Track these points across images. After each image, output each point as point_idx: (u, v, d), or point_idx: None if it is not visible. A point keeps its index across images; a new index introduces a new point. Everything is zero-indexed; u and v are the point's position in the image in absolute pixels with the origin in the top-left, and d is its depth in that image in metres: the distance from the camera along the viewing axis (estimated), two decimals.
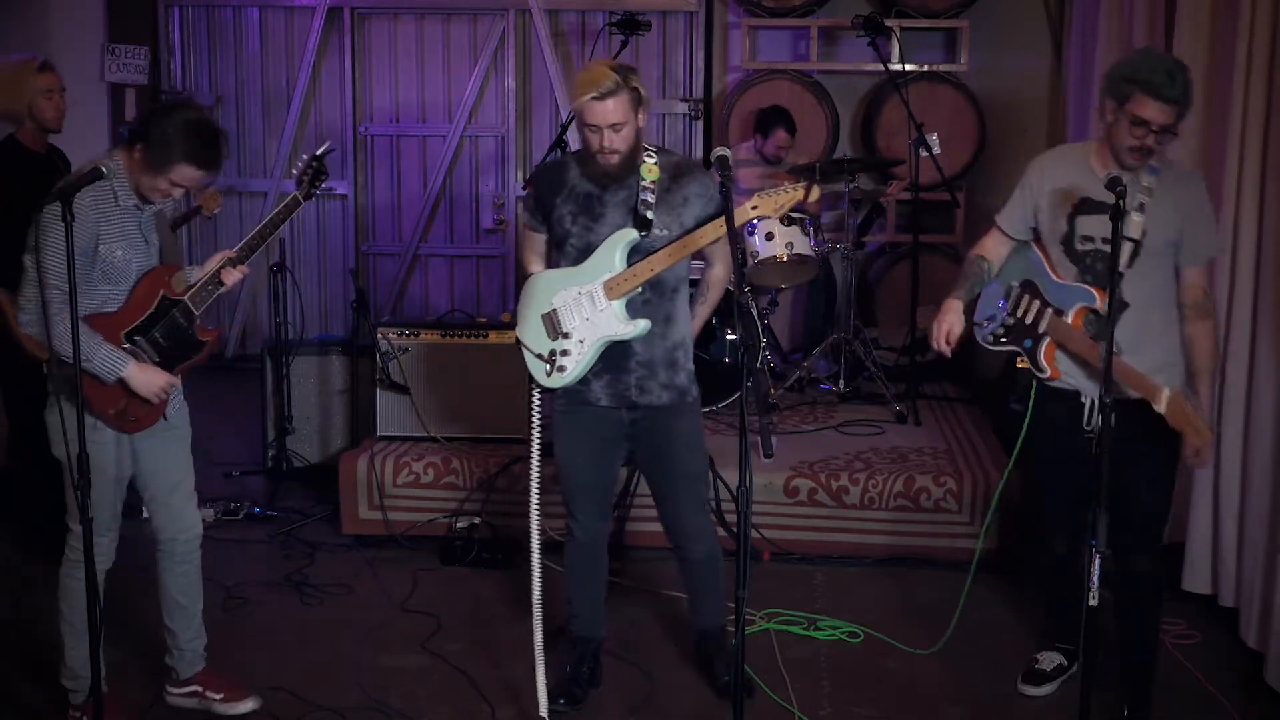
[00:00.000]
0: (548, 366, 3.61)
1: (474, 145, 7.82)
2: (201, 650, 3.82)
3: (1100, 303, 3.41)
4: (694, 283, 3.80)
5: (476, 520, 5.01)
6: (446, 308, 7.81)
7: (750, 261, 5.64)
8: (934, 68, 7.10)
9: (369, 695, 3.86)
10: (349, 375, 5.73)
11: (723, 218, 3.40)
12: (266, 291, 5.80)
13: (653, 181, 3.49)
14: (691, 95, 7.58)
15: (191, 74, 7.97)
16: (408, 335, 5.32)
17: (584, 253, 3.55)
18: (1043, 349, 3.55)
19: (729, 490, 4.79)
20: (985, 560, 4.80)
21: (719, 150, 3.37)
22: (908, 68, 6.94)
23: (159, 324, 3.49)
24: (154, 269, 3.50)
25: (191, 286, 3.52)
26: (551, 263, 3.71)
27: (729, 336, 5.54)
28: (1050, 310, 3.55)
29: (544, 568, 4.94)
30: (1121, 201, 3.07)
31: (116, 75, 7.01)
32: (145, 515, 3.74)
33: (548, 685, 3.87)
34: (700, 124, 7.57)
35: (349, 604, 4.57)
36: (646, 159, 3.50)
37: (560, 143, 6.20)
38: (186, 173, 3.33)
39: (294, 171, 3.72)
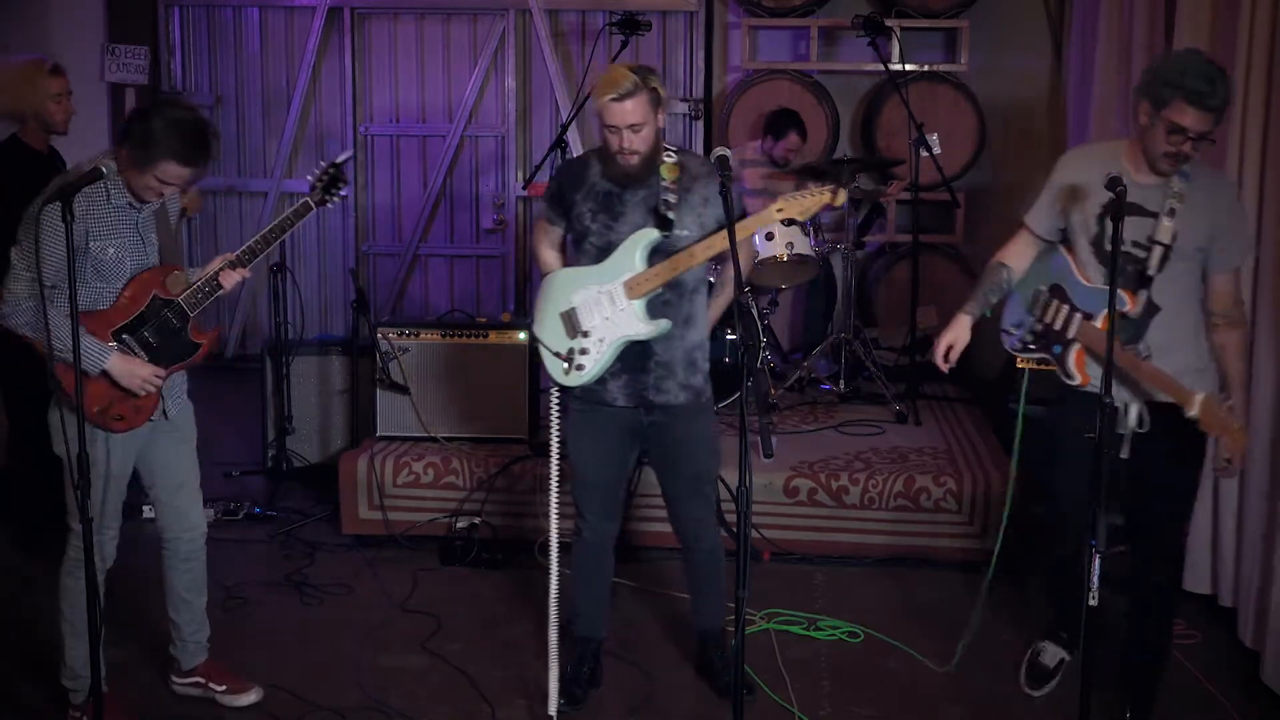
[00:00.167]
0: (566, 365, 3.61)
1: (474, 145, 7.82)
2: (205, 641, 3.86)
3: (1131, 306, 3.35)
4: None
5: (476, 520, 5.01)
6: (446, 308, 7.82)
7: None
8: (934, 68, 7.09)
9: (369, 695, 3.86)
10: (349, 375, 5.73)
11: (747, 220, 3.43)
12: (266, 291, 5.80)
13: (673, 181, 3.49)
14: (691, 95, 7.58)
15: (191, 74, 7.98)
16: (408, 335, 5.32)
17: (603, 251, 3.56)
18: (1072, 355, 3.48)
19: (729, 490, 4.79)
20: (987, 561, 4.81)
21: (719, 150, 3.37)
22: (908, 68, 6.94)
23: (149, 323, 3.48)
24: (149, 268, 3.49)
25: (188, 287, 3.52)
26: (570, 260, 3.71)
27: (729, 336, 5.54)
28: (1079, 315, 3.47)
29: (546, 568, 4.94)
30: (1122, 202, 3.05)
31: (116, 75, 7.00)
32: (145, 515, 3.75)
33: (547, 686, 3.88)
34: (700, 124, 7.57)
35: (349, 604, 4.57)
36: (667, 159, 3.50)
37: (560, 143, 6.21)
38: (172, 170, 3.32)
39: (309, 177, 3.68)
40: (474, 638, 4.29)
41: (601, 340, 3.56)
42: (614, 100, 3.37)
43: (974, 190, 7.21)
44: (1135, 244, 3.33)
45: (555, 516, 3.70)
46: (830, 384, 6.24)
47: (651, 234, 3.49)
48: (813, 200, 3.46)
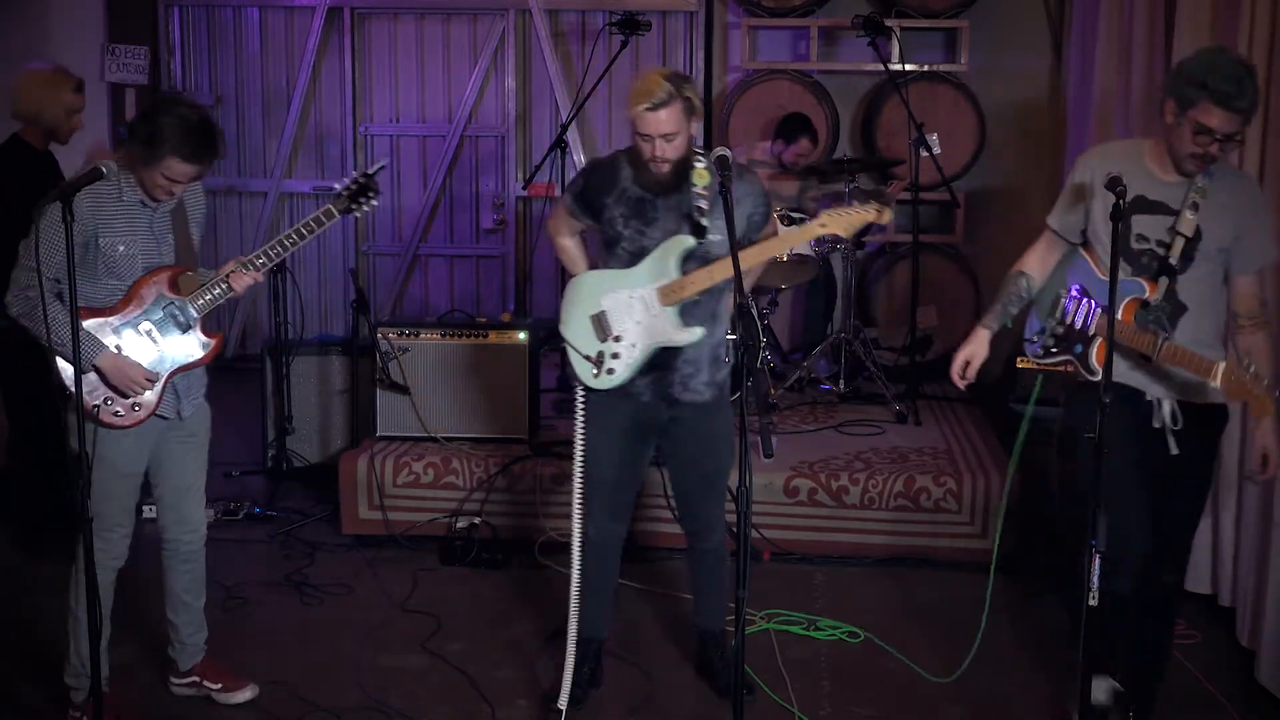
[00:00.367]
0: (595, 368, 3.61)
1: (474, 145, 7.82)
2: (202, 643, 3.87)
3: (1150, 293, 3.32)
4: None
5: (476, 520, 5.01)
6: (446, 308, 7.82)
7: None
8: (934, 68, 7.09)
9: (369, 695, 3.86)
10: (349, 375, 5.73)
11: (793, 232, 3.44)
12: (266, 291, 5.80)
13: (704, 187, 3.48)
14: None
15: (191, 74, 7.98)
16: (408, 335, 5.32)
17: (635, 256, 3.56)
18: (1094, 351, 3.42)
19: (729, 490, 4.79)
20: (987, 561, 4.81)
21: (719, 150, 3.37)
22: (908, 68, 6.94)
23: (154, 322, 3.49)
24: (160, 268, 3.50)
25: (198, 288, 3.52)
26: (600, 263, 3.69)
27: (729, 336, 5.54)
28: (1100, 310, 3.42)
29: (546, 568, 4.95)
30: (1121, 202, 3.04)
31: (116, 75, 7.00)
32: (146, 515, 3.75)
33: (546, 686, 3.89)
34: (700, 124, 7.56)
35: (349, 604, 4.57)
36: (697, 164, 3.49)
37: (560, 143, 6.21)
38: (176, 167, 3.35)
39: (337, 186, 3.65)
40: (474, 638, 4.29)
41: (634, 345, 3.57)
42: (648, 110, 3.37)
43: (974, 190, 7.21)
44: (1159, 242, 3.31)
45: (579, 512, 3.67)
46: (830, 384, 6.24)
47: (687, 241, 3.49)
48: (858, 217, 3.47)
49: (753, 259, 3.49)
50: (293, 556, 4.98)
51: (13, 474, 5.09)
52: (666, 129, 3.39)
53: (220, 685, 3.82)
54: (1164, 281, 3.32)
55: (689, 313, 3.55)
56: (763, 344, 5.82)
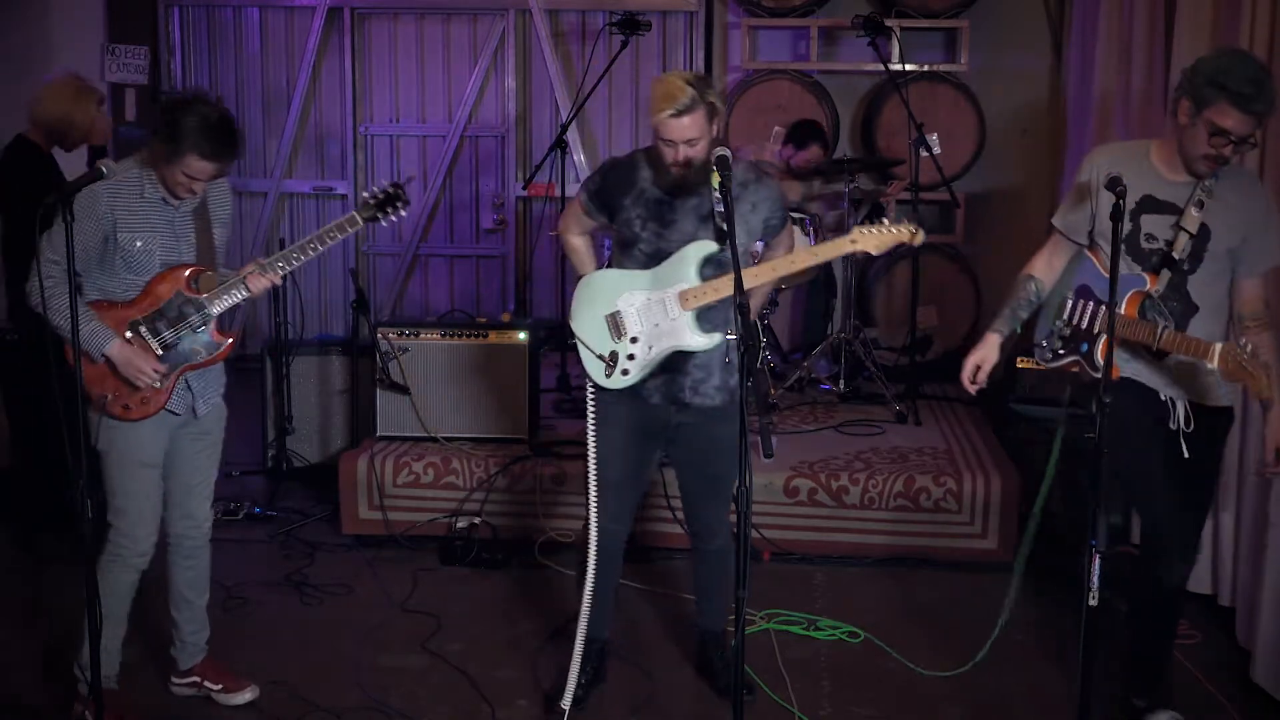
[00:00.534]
0: (608, 368, 3.60)
1: (474, 145, 7.82)
2: (203, 643, 3.87)
3: (1151, 285, 3.31)
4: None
5: (476, 520, 5.01)
6: (446, 308, 7.81)
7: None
8: (934, 68, 7.09)
9: (369, 695, 3.86)
10: (349, 375, 5.73)
11: (824, 246, 3.53)
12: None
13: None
14: None
15: (191, 74, 7.98)
16: (408, 335, 5.32)
17: (653, 258, 3.55)
18: (1099, 347, 3.40)
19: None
20: (987, 561, 4.82)
21: (719, 150, 3.37)
22: (908, 68, 6.94)
23: (167, 319, 3.50)
24: (178, 265, 3.52)
25: (215, 288, 3.53)
26: (615, 263, 3.68)
27: (729, 336, 5.54)
28: (1104, 307, 3.39)
29: (546, 568, 4.95)
30: (1120, 202, 3.03)
31: (116, 75, 7.00)
32: None
33: (546, 686, 3.89)
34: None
35: (349, 604, 4.57)
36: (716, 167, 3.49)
37: (560, 143, 6.21)
38: (196, 165, 3.38)
39: (364, 194, 3.64)
40: (474, 638, 4.29)
41: (650, 347, 3.56)
42: (672, 116, 3.36)
43: (974, 190, 7.20)
44: (1167, 242, 3.31)
45: (595, 509, 3.66)
46: (830, 384, 6.24)
47: (709, 246, 3.48)
48: (890, 237, 3.45)
49: (783, 270, 3.52)
50: (293, 556, 4.98)
51: (13, 474, 5.10)
52: (690, 134, 3.38)
53: (221, 686, 3.82)
54: (1165, 274, 3.32)
55: (705, 317, 3.54)
56: (763, 344, 5.83)
